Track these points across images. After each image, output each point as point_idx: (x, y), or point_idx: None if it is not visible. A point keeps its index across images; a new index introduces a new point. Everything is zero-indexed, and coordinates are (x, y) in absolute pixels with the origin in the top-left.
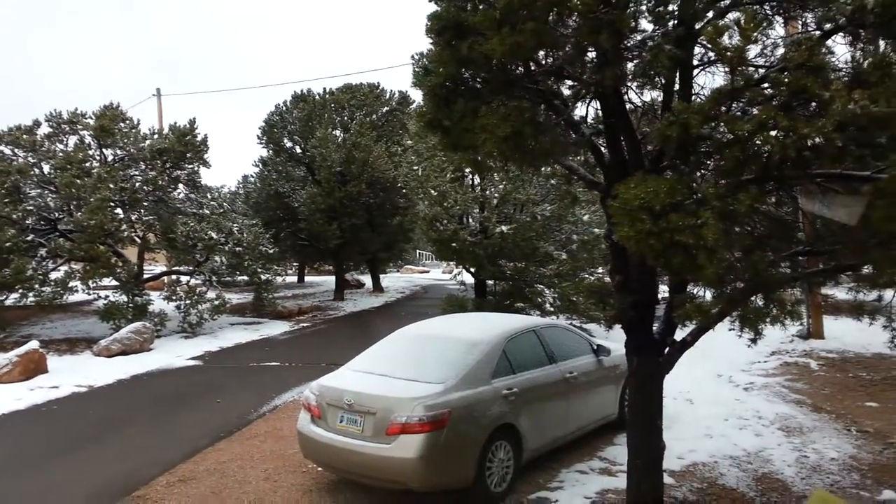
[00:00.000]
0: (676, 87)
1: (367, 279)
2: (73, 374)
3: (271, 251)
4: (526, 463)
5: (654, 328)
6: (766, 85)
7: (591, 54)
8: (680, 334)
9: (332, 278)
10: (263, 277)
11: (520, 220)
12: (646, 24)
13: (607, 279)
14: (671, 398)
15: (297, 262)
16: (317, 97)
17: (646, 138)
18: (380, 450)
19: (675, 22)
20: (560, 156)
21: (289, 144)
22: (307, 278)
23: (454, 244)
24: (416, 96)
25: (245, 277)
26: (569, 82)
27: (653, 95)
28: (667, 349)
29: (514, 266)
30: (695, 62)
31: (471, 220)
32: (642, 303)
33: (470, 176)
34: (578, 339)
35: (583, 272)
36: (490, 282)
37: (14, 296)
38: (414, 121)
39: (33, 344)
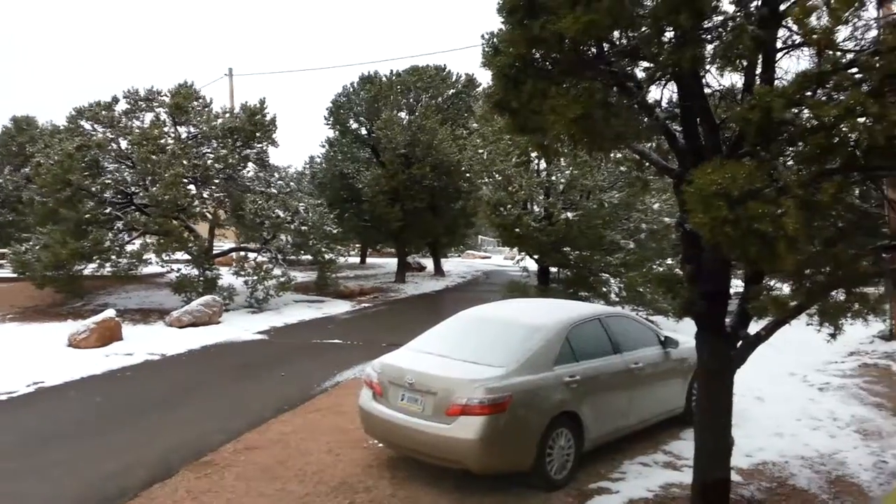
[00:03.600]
0: (758, 69)
1: (428, 263)
2: (146, 343)
3: (335, 231)
4: (587, 452)
5: (727, 321)
6: (855, 70)
7: (669, 34)
8: (754, 328)
9: (394, 260)
10: (327, 257)
11: (586, 207)
12: (727, 4)
13: (677, 270)
14: (740, 395)
15: (360, 243)
16: (383, 79)
17: (724, 123)
18: (439, 429)
19: (759, 2)
20: (632, 140)
21: (355, 126)
22: (369, 259)
23: (518, 230)
24: (483, 78)
25: (309, 256)
26: (644, 64)
27: (733, 79)
28: (739, 343)
29: (579, 254)
30: (779, 44)
31: (535, 206)
32: (714, 294)
33: (536, 160)
34: (645, 330)
35: (651, 263)
36: (553, 269)
37: (92, 266)
38: (481, 102)
39: (109, 312)
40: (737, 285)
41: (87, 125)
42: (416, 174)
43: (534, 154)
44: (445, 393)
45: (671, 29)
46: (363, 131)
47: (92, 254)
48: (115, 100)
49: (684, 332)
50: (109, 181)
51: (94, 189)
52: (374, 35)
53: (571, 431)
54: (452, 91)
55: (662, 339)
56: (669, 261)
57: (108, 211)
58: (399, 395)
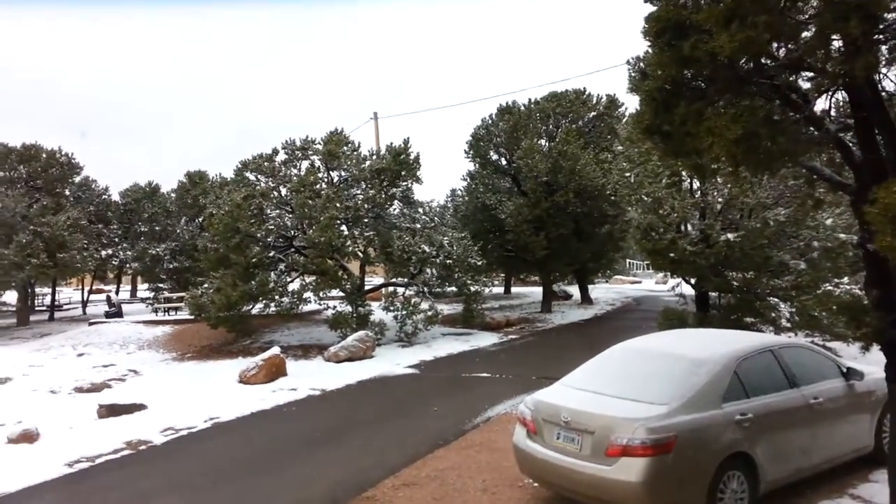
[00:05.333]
0: None
1: (574, 290)
2: (307, 378)
3: (479, 263)
4: (763, 495)
5: None
6: None
7: (836, 42)
8: None
9: (539, 289)
10: (472, 289)
11: (748, 227)
12: None
13: (856, 291)
14: None
15: (504, 274)
16: (521, 108)
17: None
18: (599, 471)
19: None
20: (800, 156)
21: (495, 157)
22: (513, 289)
23: (672, 254)
24: (626, 99)
25: (454, 289)
26: (808, 74)
27: None
28: None
29: (742, 277)
30: None
31: (690, 228)
32: None
33: (688, 180)
34: (824, 361)
35: (826, 283)
36: (713, 294)
37: (258, 306)
38: (629, 124)
39: (275, 349)
40: None
41: (251, 176)
42: (559, 201)
43: (685, 173)
44: (604, 432)
45: (839, 38)
46: (503, 162)
47: (258, 295)
48: (275, 151)
49: (870, 362)
50: (272, 227)
51: (259, 235)
52: (511, 65)
53: (745, 474)
54: (593, 114)
55: (845, 370)
56: (846, 280)
57: (271, 254)
58: (554, 433)
